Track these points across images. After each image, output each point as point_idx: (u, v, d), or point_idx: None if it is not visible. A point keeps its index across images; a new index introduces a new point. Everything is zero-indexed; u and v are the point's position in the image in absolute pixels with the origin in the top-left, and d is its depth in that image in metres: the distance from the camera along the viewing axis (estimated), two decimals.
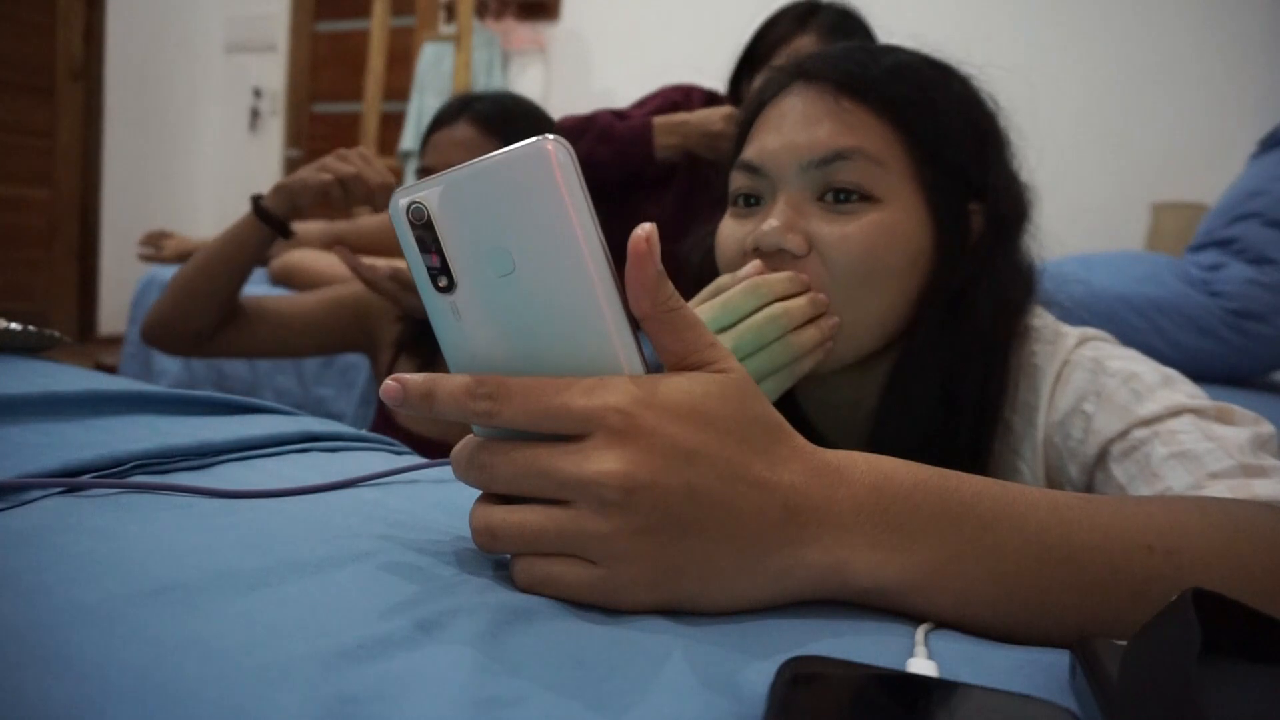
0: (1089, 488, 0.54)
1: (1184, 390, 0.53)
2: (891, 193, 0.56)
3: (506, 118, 1.05)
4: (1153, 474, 0.49)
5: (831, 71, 0.58)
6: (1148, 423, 0.51)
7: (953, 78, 0.61)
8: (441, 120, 1.06)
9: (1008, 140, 0.62)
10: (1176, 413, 0.51)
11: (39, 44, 3.42)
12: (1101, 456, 0.53)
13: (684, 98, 1.58)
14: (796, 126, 0.58)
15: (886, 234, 0.55)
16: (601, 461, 0.29)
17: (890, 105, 0.57)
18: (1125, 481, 0.51)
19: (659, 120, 1.37)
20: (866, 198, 0.56)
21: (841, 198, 0.56)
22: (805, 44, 1.29)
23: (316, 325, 1.16)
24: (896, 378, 0.60)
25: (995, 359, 0.59)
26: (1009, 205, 0.60)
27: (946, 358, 0.58)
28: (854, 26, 1.30)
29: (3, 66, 3.30)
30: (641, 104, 1.61)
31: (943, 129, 0.58)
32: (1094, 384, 0.55)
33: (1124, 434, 0.52)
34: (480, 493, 0.34)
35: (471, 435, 0.33)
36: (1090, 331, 0.61)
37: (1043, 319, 0.62)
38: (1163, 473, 0.49)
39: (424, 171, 0.99)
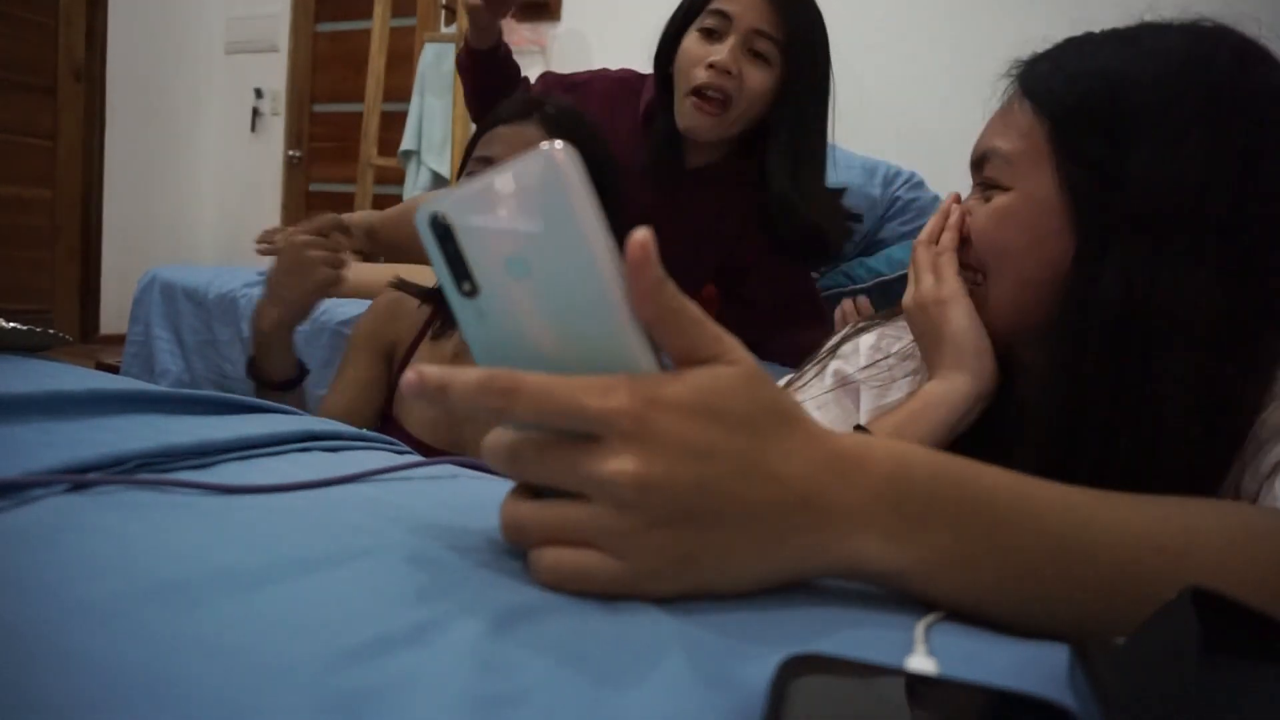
0: (1255, 498, 0.53)
1: None
2: (1020, 180, 0.63)
3: (571, 126, 1.08)
4: None
5: (1020, 75, 0.66)
6: None
7: (1146, 70, 0.59)
8: (511, 115, 1.08)
9: (1176, 133, 0.56)
10: None
11: (41, 44, 3.43)
12: (1272, 471, 0.52)
13: (586, 83, 1.47)
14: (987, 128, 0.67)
15: (1011, 215, 0.63)
16: (617, 462, 0.30)
17: (1044, 104, 0.62)
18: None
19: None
20: (1003, 188, 0.64)
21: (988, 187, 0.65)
22: None
23: (374, 381, 1.15)
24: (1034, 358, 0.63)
25: (1137, 371, 0.55)
26: (1150, 203, 0.56)
27: (1065, 350, 0.58)
28: None
29: (5, 67, 3.31)
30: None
31: (1080, 124, 0.60)
32: None
33: None
34: (511, 489, 0.35)
35: (502, 428, 0.34)
36: None
37: None
38: None
39: (483, 161, 1.01)
